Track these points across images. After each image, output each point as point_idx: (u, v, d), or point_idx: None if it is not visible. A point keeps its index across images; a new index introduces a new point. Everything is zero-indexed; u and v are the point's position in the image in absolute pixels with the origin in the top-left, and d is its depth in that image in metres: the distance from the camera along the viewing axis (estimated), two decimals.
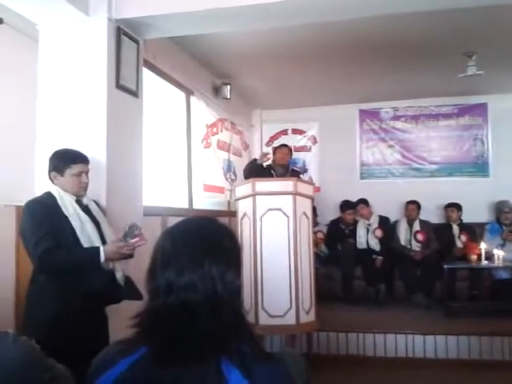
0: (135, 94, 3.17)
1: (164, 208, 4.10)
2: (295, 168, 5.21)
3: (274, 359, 0.98)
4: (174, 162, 4.51)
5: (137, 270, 2.50)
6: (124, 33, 3.05)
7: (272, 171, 4.54)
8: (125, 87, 3.05)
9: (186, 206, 4.64)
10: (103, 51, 2.91)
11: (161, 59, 4.06)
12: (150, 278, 1.00)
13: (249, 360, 0.92)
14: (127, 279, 2.34)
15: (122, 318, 2.26)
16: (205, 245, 1.00)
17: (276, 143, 6.77)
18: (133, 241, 2.22)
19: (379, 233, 5.49)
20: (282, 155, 4.66)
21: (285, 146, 4.91)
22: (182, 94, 4.68)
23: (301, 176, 5.00)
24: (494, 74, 4.93)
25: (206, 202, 4.97)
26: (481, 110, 6.22)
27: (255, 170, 4.30)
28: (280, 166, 4.61)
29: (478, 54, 4.53)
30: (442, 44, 4.39)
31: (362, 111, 6.55)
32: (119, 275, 2.28)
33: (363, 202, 5.72)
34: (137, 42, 3.19)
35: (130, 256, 2.38)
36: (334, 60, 4.76)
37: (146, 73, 3.65)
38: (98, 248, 2.19)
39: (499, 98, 6.05)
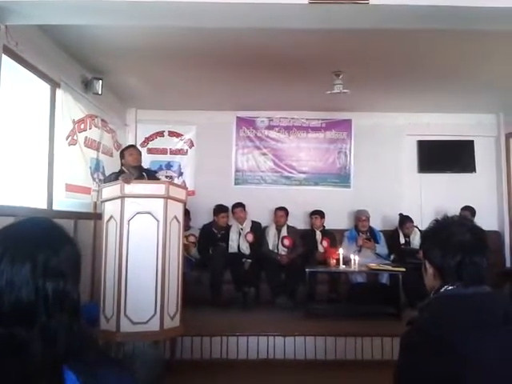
0: None
1: (18, 208, 3.72)
2: (149, 168, 5.40)
3: (117, 365, 1.00)
4: (33, 159, 4.11)
5: None
6: None
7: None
8: None
9: (44, 206, 4.25)
10: None
11: (24, 47, 3.70)
12: None
13: (91, 366, 0.91)
14: None
15: None
16: (38, 243, 0.96)
17: (152, 144, 6.63)
18: None
19: (250, 237, 5.65)
20: (135, 156, 4.39)
21: (133, 146, 4.71)
22: (46, 86, 4.31)
23: (157, 175, 5.03)
24: (358, 93, 5.29)
25: (68, 202, 4.59)
26: (346, 125, 6.69)
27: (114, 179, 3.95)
28: (134, 167, 4.31)
29: (344, 73, 4.83)
30: (313, 61, 4.60)
31: (239, 118, 6.67)
32: None
33: (241, 205, 5.87)
34: None
35: None
36: (214, 66, 4.77)
37: (6, 60, 3.34)
38: None
39: (362, 116, 6.56)
